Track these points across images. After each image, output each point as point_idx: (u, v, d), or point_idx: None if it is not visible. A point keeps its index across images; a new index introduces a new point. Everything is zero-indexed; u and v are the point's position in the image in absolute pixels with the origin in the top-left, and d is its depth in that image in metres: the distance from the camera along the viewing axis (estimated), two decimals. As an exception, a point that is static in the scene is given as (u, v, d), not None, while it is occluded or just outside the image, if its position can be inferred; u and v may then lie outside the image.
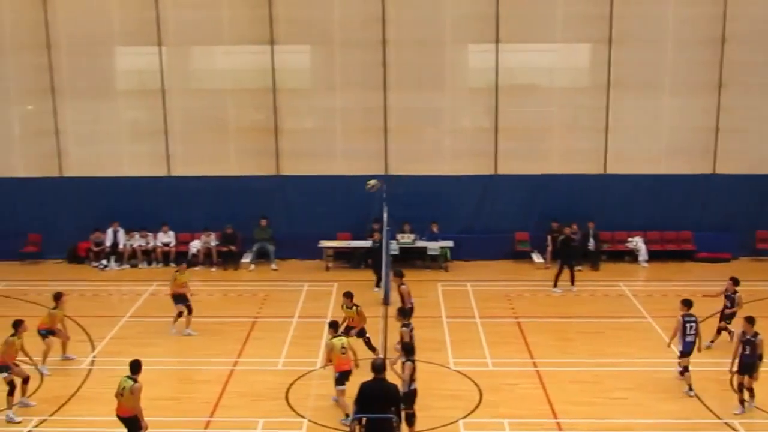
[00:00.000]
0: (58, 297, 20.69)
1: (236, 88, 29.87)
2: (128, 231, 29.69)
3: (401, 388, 16.19)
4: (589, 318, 23.84)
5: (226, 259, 29.39)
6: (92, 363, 20.74)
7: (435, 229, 29.11)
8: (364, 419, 14.44)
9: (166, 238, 29.66)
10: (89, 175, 29.92)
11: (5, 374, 18.01)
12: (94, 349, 21.68)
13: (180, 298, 22.78)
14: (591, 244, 28.89)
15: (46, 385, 19.28)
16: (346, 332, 19.66)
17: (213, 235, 29.44)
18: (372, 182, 26.21)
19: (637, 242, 29.42)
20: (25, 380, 18.34)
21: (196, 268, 28.97)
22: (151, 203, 29.95)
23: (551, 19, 28.91)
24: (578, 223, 28.54)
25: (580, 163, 29.67)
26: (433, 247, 28.87)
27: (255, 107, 29.99)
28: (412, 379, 16.51)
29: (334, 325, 18.23)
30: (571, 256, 26.50)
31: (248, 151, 29.96)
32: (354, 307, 20.27)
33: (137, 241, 29.63)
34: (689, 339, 18.70)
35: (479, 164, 29.80)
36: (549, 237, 28.73)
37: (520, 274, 28.44)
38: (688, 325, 18.67)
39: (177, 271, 23.29)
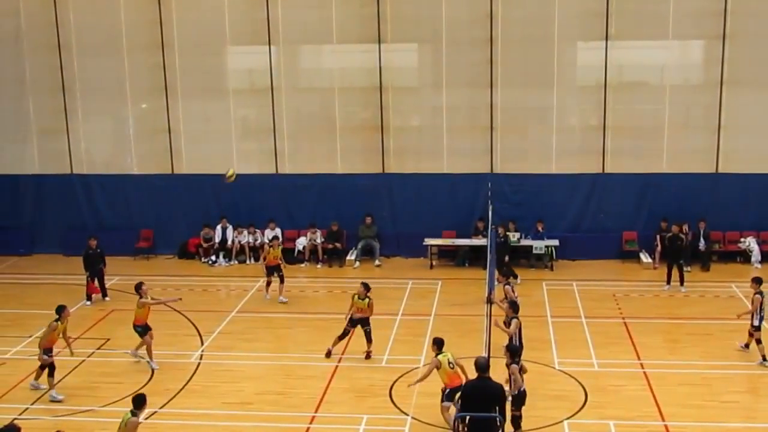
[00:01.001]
0: (138, 287, 20.90)
1: (344, 87, 30.14)
2: (236, 227, 30.23)
3: (512, 390, 16.19)
4: (698, 319, 23.31)
5: (331, 256, 29.66)
6: (201, 357, 21.19)
7: (540, 227, 28.83)
8: (467, 418, 14.44)
9: (273, 234, 30.07)
10: (200, 173, 30.58)
11: (46, 356, 18.80)
12: (202, 343, 22.16)
13: (272, 269, 25.35)
14: (701, 244, 28.27)
15: (157, 378, 19.79)
16: (353, 323, 20.83)
17: (319, 233, 29.74)
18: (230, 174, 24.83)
19: (750, 242, 28.64)
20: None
21: (302, 265, 29.38)
22: (259, 200, 30.46)
23: (663, 15, 28.30)
24: (689, 223, 27.96)
25: (692, 162, 29.01)
26: (539, 245, 28.61)
27: (362, 105, 30.19)
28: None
29: (438, 343, 17.31)
30: (678, 255, 26.05)
31: (355, 149, 30.19)
32: (367, 299, 20.76)
33: (245, 238, 30.14)
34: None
35: (587, 163, 29.42)
36: (658, 237, 28.20)
37: (627, 274, 27.99)
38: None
39: (270, 246, 25.80)
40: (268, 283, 25.53)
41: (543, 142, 29.69)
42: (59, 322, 19.14)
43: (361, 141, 30.12)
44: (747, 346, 20.78)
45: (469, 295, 25.42)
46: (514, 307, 19.41)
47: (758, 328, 20.32)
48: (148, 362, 20.44)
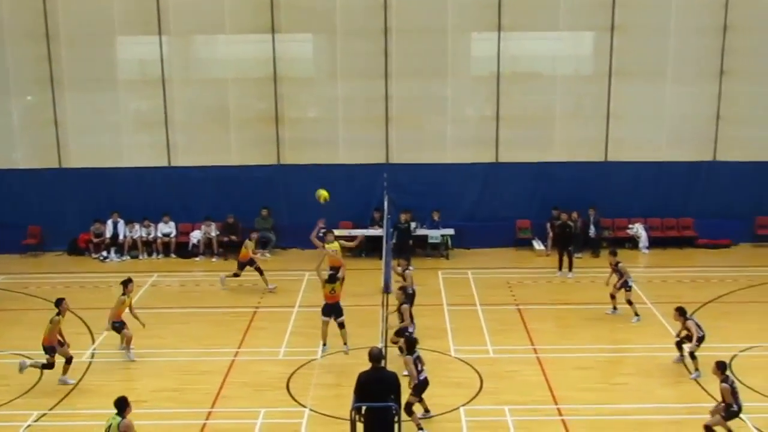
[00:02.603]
0: (126, 283, 20.77)
1: (238, 77, 29.76)
2: (129, 222, 29.63)
3: (411, 380, 16.29)
4: (589, 305, 23.80)
5: (226, 249, 29.35)
6: (92, 356, 20.71)
7: (436, 217, 29.06)
8: (363, 408, 14.42)
9: (167, 228, 29.61)
10: (89, 166, 29.83)
11: (48, 355, 18.72)
12: (94, 341, 21.65)
13: (243, 264, 25.53)
14: (592, 231, 28.90)
15: (46, 378, 19.20)
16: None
17: (214, 225, 29.38)
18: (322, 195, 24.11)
19: (638, 229, 29.41)
20: (69, 360, 19.01)
21: (197, 259, 29.07)
22: (152, 194, 29.89)
23: (554, 7, 28.76)
24: (579, 211, 28.54)
25: (582, 151, 29.64)
26: (434, 235, 28.82)
27: (257, 96, 29.87)
28: (420, 370, 16.53)
29: (332, 278, 20.29)
30: (567, 242, 26.71)
31: (250, 141, 29.89)
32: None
33: (138, 232, 29.57)
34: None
35: (481, 152, 29.74)
36: (549, 224, 28.70)
37: (521, 261, 28.47)
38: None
39: (250, 239, 26.05)
40: (235, 274, 25.58)
41: (438, 132, 29.89)
42: (60, 316, 18.95)
43: (256, 132, 29.83)
44: (637, 315, 22.61)
45: (366, 285, 25.39)
46: (405, 292, 19.62)
47: (630, 288, 22.58)
48: (127, 353, 20.37)
